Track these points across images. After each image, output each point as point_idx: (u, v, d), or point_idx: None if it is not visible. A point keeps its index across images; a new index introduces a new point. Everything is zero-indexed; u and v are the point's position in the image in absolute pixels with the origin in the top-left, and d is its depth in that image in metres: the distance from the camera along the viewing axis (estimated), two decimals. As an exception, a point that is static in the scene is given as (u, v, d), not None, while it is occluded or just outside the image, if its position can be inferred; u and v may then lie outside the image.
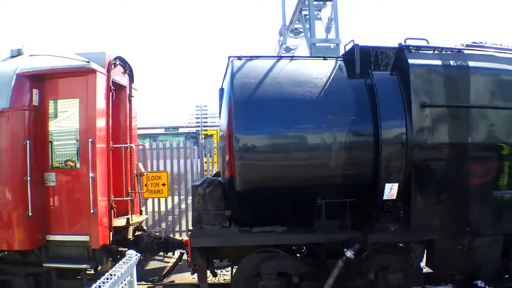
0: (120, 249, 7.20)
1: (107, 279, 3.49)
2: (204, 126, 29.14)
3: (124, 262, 3.97)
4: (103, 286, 3.36)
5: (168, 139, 23.31)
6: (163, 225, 10.94)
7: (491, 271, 6.74)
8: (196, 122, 30.13)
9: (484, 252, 6.55)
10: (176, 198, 11.27)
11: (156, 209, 11.04)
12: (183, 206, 11.30)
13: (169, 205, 11.18)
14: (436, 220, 6.21)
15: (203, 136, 25.35)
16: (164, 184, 9.18)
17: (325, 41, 13.10)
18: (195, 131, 28.59)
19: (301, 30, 16.22)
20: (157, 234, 8.66)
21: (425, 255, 6.62)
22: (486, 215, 6.39)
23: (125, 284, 3.90)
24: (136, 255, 4.38)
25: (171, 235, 9.84)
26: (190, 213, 10.78)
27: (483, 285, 7.71)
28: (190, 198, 10.61)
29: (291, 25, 16.72)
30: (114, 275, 3.61)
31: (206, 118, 30.33)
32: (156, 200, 10.79)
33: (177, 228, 11.16)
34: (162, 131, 28.57)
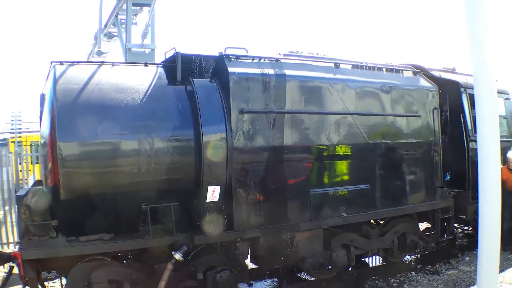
0: None
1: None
2: (18, 133, 29.25)
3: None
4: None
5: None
6: (-16, 238, 11.44)
7: (314, 263, 8.37)
8: (11, 129, 30.09)
9: (306, 246, 8.28)
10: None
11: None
12: (1, 216, 11.84)
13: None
14: (257, 219, 7.79)
15: (17, 144, 25.54)
16: (-18, 196, 9.65)
17: (141, 46, 14.43)
18: (4, 138, 28.57)
19: (115, 34, 17.46)
20: None
21: (249, 252, 8.07)
22: (304, 212, 8.12)
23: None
24: None
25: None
26: (9, 224, 11.36)
27: (307, 277, 9.39)
28: (7, 208, 11.21)
29: (106, 29, 17.94)
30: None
31: (20, 124, 30.42)
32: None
33: (-3, 241, 11.72)
34: None
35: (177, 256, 7.16)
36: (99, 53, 20.25)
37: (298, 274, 9.98)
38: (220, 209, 7.63)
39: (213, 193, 7.40)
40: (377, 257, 10.73)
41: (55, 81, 6.90)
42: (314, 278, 9.54)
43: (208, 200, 7.42)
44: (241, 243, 7.82)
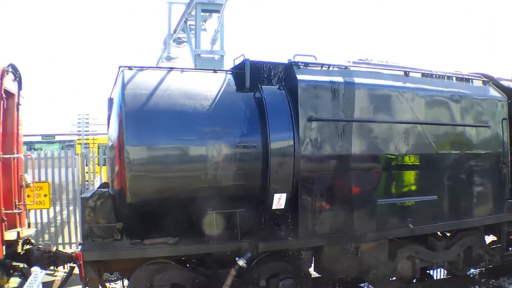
0: (14, 263, 7.79)
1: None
2: (85, 135, 29.94)
3: (33, 280, 4.78)
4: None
5: (43, 148, 23.95)
6: (46, 237, 11.72)
7: (378, 274, 8.21)
8: (78, 131, 30.84)
9: (370, 257, 8.16)
10: (57, 209, 12.08)
11: (38, 220, 12.04)
12: (64, 216, 12.13)
13: (50, 216, 12.08)
14: (323, 228, 7.69)
15: (84, 145, 26.21)
16: (46, 195, 9.86)
17: (210, 53, 14.52)
18: (70, 140, 29.27)
19: (184, 39, 17.61)
20: (46, 247, 9.33)
21: (313, 261, 8.02)
22: (370, 222, 7.98)
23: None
24: (41, 272, 5.16)
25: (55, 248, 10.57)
26: (73, 224, 11.59)
27: (370, 288, 9.22)
28: (71, 208, 11.44)
29: (175, 34, 18.15)
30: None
31: (87, 126, 31.12)
32: (38, 211, 11.70)
33: (60, 240, 12.24)
34: (39, 138, 29.01)
35: (241, 262, 7.15)
36: (169, 58, 20.70)
37: (361, 284, 9.84)
38: (285, 216, 7.60)
39: (279, 201, 7.35)
40: (442, 269, 10.47)
41: (124, 86, 7.02)
42: (377, 289, 9.37)
43: (273, 207, 7.39)
44: (305, 252, 7.78)
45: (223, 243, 7.25)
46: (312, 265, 8.17)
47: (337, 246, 7.80)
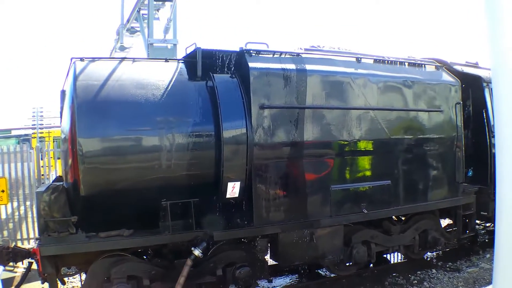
0: None
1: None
2: (40, 128, 29.64)
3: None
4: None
5: (1, 143, 23.60)
6: (5, 233, 11.54)
7: (334, 259, 8.33)
8: (32, 125, 30.48)
9: (326, 243, 8.24)
10: (15, 204, 11.92)
11: (-4, 216, 11.78)
12: (22, 212, 11.98)
13: (8, 212, 11.88)
14: (277, 215, 7.75)
15: (40, 139, 25.92)
16: (3, 191, 9.71)
17: (163, 42, 14.49)
18: (26, 134, 28.96)
19: (138, 29, 17.52)
20: (5, 243, 9.21)
21: (269, 248, 8.07)
22: (324, 208, 8.06)
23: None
24: (0, 268, 5.09)
25: (14, 244, 10.45)
26: (30, 219, 11.47)
27: (326, 273, 9.33)
28: (28, 203, 11.32)
29: (128, 24, 18.00)
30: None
31: (42, 120, 30.82)
32: (-6, 207, 11.41)
33: (18, 236, 12.06)
34: None
35: (197, 252, 7.17)
36: (122, 48, 20.48)
37: (318, 271, 9.97)
38: (239, 205, 7.63)
39: (233, 189, 7.38)
40: (398, 253, 10.65)
41: (75, 77, 6.94)
42: (334, 275, 9.52)
43: (228, 196, 7.42)
44: (260, 239, 7.80)
45: (178, 234, 7.25)
46: (268, 252, 8.21)
47: (292, 233, 7.87)
